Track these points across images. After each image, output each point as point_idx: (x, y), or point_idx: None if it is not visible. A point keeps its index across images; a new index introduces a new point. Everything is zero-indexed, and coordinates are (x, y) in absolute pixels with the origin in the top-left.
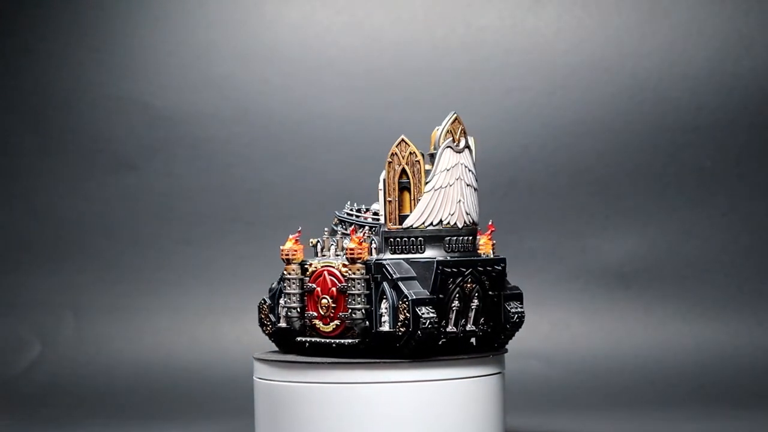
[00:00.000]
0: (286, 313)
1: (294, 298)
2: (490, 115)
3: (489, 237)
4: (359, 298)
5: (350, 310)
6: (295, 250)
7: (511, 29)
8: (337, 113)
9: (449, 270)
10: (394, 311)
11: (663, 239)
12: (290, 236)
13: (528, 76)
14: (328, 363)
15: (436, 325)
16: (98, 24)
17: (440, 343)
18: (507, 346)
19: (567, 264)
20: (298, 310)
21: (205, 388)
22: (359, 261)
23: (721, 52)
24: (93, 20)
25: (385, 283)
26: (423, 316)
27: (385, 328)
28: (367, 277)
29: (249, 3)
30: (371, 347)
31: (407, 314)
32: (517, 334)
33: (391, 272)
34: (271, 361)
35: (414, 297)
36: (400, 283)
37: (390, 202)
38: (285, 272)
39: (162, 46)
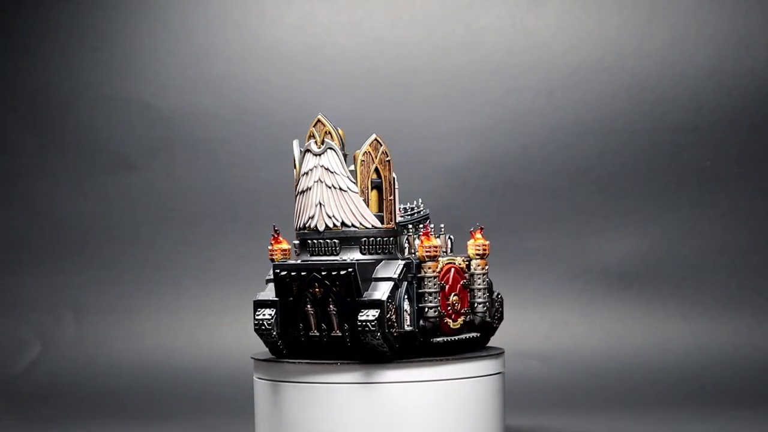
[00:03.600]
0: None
1: None
2: (490, 115)
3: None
4: None
5: None
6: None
7: (511, 29)
8: (336, 113)
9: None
10: None
11: (663, 239)
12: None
13: (528, 76)
14: (328, 363)
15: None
16: (98, 24)
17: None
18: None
19: (567, 264)
20: None
21: (205, 388)
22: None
23: (721, 52)
24: (93, 20)
25: None
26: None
27: None
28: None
29: (249, 3)
30: None
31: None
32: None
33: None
34: (271, 361)
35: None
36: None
37: None
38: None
39: (162, 46)
